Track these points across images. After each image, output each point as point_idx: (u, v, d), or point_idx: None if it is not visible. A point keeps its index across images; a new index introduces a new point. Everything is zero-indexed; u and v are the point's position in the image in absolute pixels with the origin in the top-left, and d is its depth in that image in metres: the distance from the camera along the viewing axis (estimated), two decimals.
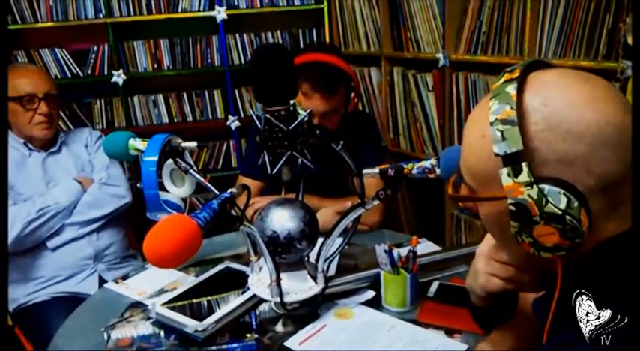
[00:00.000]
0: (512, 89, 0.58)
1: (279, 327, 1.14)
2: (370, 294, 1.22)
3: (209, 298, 1.22)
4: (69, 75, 2.66)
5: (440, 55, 2.18)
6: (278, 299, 1.09)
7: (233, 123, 2.74)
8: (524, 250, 0.60)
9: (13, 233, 1.60)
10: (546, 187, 0.55)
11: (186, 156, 1.20)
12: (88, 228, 1.74)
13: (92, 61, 2.68)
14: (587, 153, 0.55)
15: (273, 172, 1.10)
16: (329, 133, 1.54)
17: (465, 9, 2.10)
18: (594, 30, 1.66)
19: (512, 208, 0.57)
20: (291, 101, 1.06)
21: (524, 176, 0.56)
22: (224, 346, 1.08)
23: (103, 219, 1.77)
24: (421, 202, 2.53)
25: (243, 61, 2.76)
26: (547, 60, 0.72)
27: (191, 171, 1.16)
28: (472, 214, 2.15)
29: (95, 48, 2.66)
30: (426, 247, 1.39)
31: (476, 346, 0.92)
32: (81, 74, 2.68)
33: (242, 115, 2.80)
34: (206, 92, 2.81)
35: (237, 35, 2.74)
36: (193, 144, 1.18)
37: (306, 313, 1.15)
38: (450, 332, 1.08)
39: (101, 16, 2.56)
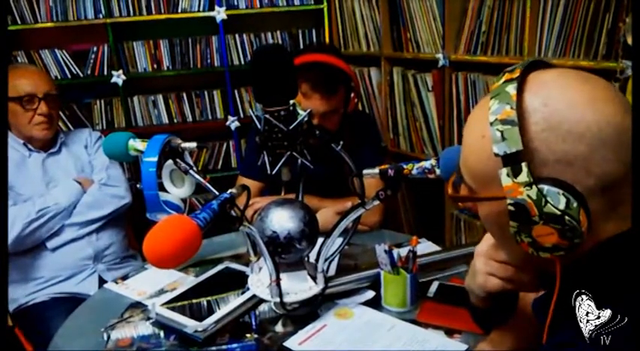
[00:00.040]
0: (512, 89, 0.58)
1: (279, 327, 1.14)
2: (370, 294, 1.21)
3: (209, 298, 1.22)
4: (69, 75, 2.66)
5: (440, 56, 2.18)
6: (278, 299, 1.09)
7: (233, 123, 2.74)
8: (524, 250, 0.60)
9: (13, 233, 1.60)
10: (546, 188, 0.55)
11: (186, 156, 1.20)
12: (87, 228, 1.74)
13: (92, 61, 2.67)
14: (587, 153, 0.55)
15: (273, 172, 1.09)
16: (329, 133, 1.54)
17: (464, 9, 2.10)
18: (594, 30, 1.66)
19: (511, 208, 0.57)
20: (291, 101, 1.06)
21: (523, 176, 0.56)
22: (224, 347, 1.08)
23: (103, 219, 1.77)
24: (421, 202, 2.53)
25: (242, 62, 2.75)
26: (547, 60, 0.72)
27: (191, 171, 1.16)
28: (472, 214, 2.15)
29: (95, 48, 2.66)
30: (425, 247, 1.39)
31: (475, 346, 0.92)
32: (81, 75, 2.67)
33: (242, 115, 2.79)
34: (206, 93, 2.81)
35: (236, 35, 2.73)
36: (193, 144, 1.18)
37: (306, 313, 1.15)
38: (449, 332, 1.08)
39: (101, 16, 2.56)
